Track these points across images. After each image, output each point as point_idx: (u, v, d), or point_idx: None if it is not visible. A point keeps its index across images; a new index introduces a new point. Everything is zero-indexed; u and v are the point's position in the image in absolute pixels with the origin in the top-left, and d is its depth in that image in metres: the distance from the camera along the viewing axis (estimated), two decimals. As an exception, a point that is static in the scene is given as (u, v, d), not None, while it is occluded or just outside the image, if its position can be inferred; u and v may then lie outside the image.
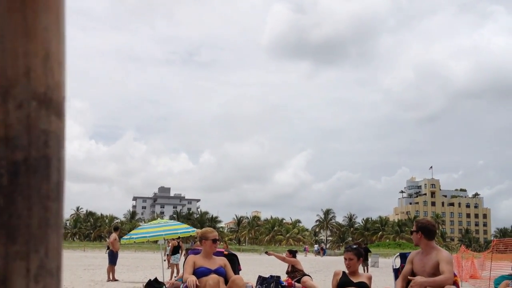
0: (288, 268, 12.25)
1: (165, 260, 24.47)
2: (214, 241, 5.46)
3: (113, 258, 14.31)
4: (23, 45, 0.54)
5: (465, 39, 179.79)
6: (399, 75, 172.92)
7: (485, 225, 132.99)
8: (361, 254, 5.53)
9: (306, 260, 37.67)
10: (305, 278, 11.47)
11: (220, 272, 5.30)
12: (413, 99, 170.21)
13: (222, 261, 5.50)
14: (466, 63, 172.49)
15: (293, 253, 12.55)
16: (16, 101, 0.54)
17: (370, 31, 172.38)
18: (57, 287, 0.56)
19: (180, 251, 17.04)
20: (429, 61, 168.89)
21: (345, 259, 5.44)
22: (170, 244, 22.10)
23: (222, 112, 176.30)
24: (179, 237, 16.34)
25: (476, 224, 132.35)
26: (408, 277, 4.85)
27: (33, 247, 0.54)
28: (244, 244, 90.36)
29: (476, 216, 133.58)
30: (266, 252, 12.04)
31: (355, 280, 5.32)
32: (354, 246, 5.65)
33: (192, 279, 5.08)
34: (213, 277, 5.05)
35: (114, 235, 15.09)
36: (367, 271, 17.95)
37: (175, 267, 15.89)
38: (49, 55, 0.57)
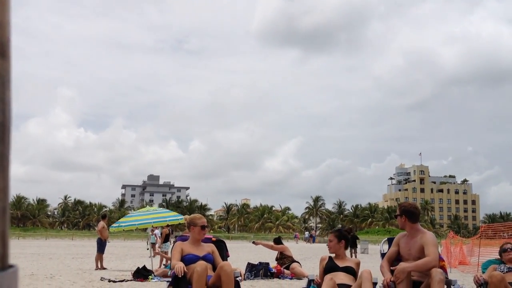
0: (277, 255, 12.31)
1: (147, 249, 24.53)
2: (203, 227, 5.45)
3: (101, 247, 14.28)
4: None
5: (454, 26, 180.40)
6: (389, 62, 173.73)
7: (474, 211, 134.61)
8: (343, 237, 5.41)
9: (296, 247, 37.92)
10: (293, 265, 11.55)
11: (208, 258, 5.29)
12: (403, 86, 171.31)
13: (210, 247, 5.50)
14: (456, 49, 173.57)
15: (276, 241, 12.62)
16: None
17: (360, 18, 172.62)
18: (2, 228, 0.56)
19: (170, 239, 17.04)
20: (418, 48, 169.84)
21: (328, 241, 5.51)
22: (153, 233, 22.14)
23: (211, 99, 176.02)
24: (168, 225, 16.33)
25: (465, 210, 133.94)
26: (391, 267, 4.83)
27: None
28: (233, 232, 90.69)
29: (465, 202, 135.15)
30: (253, 242, 12.07)
31: (341, 265, 5.26)
32: (337, 228, 5.64)
33: (179, 265, 5.07)
34: (201, 263, 5.05)
35: (102, 223, 15.05)
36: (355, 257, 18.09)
37: (165, 255, 15.88)
38: None
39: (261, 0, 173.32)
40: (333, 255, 5.41)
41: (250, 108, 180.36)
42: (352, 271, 5.22)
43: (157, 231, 21.95)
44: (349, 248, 5.70)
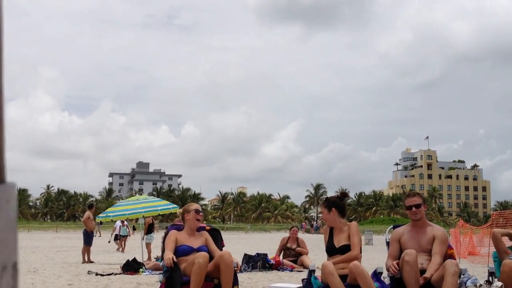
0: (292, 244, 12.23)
1: (109, 242, 24.66)
2: (197, 211, 5.48)
3: (88, 238, 14.33)
4: None
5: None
6: (396, 38, 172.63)
7: (484, 198, 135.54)
8: (332, 204, 5.16)
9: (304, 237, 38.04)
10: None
11: (202, 251, 5.32)
12: (411, 64, 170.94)
13: (204, 237, 5.53)
14: (468, 24, 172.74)
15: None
16: None
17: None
18: None
19: (153, 230, 17.08)
20: (428, 22, 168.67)
21: None
22: (124, 224, 22.19)
23: (205, 80, 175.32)
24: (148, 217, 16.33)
25: (475, 198, 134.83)
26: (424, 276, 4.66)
27: None
28: (228, 222, 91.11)
29: (475, 189, 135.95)
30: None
31: (338, 241, 5.08)
32: (325, 198, 5.48)
33: (168, 256, 5.10)
34: (202, 255, 5.05)
35: (87, 213, 15.08)
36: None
37: (149, 247, 15.95)
38: None
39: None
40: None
41: (247, 89, 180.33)
42: (347, 250, 5.01)
43: (118, 223, 21.79)
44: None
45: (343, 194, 5.44)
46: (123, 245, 21.66)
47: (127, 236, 22.41)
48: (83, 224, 15.31)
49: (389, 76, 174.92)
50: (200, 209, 5.58)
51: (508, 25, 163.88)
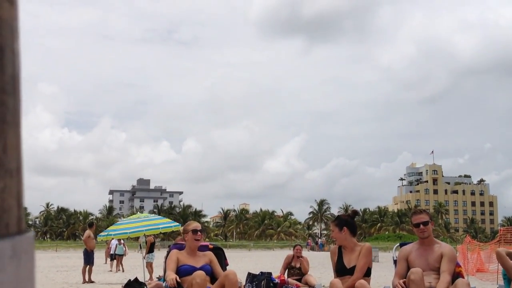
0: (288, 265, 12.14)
1: (105, 263, 24.31)
2: (194, 231, 5.44)
3: (88, 258, 14.27)
4: None
5: (470, 12, 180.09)
6: (400, 51, 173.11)
7: (491, 213, 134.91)
8: (344, 223, 5.07)
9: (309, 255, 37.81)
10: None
11: (205, 270, 5.28)
12: (415, 77, 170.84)
13: (207, 256, 5.50)
14: (472, 37, 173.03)
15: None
16: None
17: (368, 3, 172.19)
18: (18, 189, 0.57)
19: (154, 249, 16.98)
20: (431, 35, 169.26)
21: None
22: (121, 243, 21.84)
23: (206, 95, 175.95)
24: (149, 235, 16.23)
25: (482, 213, 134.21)
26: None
27: None
28: (231, 240, 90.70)
29: (482, 204, 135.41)
30: None
31: (349, 264, 5.04)
32: (336, 216, 5.38)
33: (171, 277, 5.06)
34: (199, 274, 5.03)
35: (88, 232, 15.04)
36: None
37: (150, 267, 15.83)
38: None
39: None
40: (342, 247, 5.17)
41: (249, 104, 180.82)
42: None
43: (114, 241, 21.36)
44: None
45: (354, 213, 5.39)
46: (119, 265, 21.24)
47: (123, 255, 22.02)
48: (83, 243, 15.25)
49: (393, 90, 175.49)
50: (199, 228, 5.54)
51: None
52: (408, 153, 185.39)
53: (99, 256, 26.25)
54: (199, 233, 5.47)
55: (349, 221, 5.18)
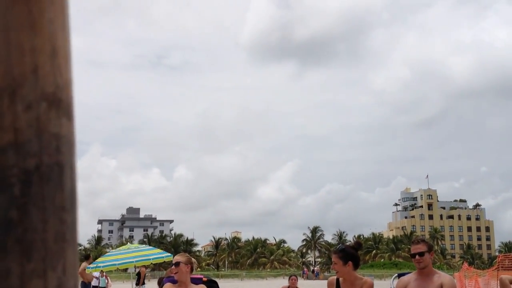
0: None
1: None
2: (175, 264, 5.42)
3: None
4: (30, 40, 0.53)
5: (464, 34, 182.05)
6: (393, 74, 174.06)
7: (488, 239, 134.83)
8: (349, 257, 4.98)
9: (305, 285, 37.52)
10: None
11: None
12: (409, 101, 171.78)
13: (201, 290, 5.45)
14: (466, 59, 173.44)
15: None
16: (24, 102, 0.53)
17: (360, 26, 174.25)
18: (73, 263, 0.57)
19: (145, 280, 16.86)
20: (425, 58, 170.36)
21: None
22: (103, 275, 21.50)
23: (197, 121, 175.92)
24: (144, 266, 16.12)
25: (479, 238, 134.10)
26: None
27: (49, 264, 0.53)
28: (223, 269, 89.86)
29: (478, 229, 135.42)
30: None
31: None
32: (340, 247, 5.21)
33: None
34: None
35: (84, 265, 14.93)
36: None
37: None
38: (56, 50, 0.57)
39: (253, 8, 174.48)
40: (340, 278, 5.09)
41: (241, 129, 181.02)
42: None
43: (96, 273, 20.96)
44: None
45: (358, 244, 5.31)
46: None
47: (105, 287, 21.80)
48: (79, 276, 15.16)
49: (386, 113, 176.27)
50: (180, 261, 5.47)
51: (507, 59, 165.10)
52: (403, 177, 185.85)
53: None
54: (173, 266, 5.45)
55: (355, 254, 5.08)
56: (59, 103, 0.58)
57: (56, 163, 0.56)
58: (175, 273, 5.37)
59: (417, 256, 4.98)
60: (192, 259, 5.63)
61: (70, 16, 0.59)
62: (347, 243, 5.26)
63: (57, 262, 0.54)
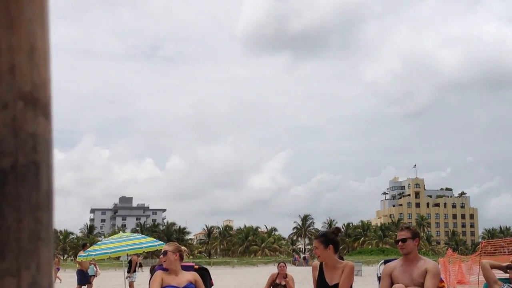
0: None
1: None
2: (163, 253, 5.49)
3: (83, 279, 14.34)
4: (7, 39, 0.53)
5: (454, 27, 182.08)
6: (384, 67, 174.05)
7: (472, 226, 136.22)
8: (330, 241, 5.08)
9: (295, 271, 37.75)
10: None
11: (189, 288, 5.29)
12: (399, 93, 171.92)
13: (191, 276, 5.50)
14: (456, 52, 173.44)
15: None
16: (0, 101, 0.53)
17: (353, 19, 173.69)
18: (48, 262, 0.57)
19: (136, 269, 16.95)
20: (416, 50, 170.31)
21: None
22: (91, 263, 21.59)
23: (191, 111, 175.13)
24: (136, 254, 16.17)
25: (463, 225, 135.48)
26: None
27: (23, 262, 0.53)
28: (215, 257, 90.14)
29: (463, 216, 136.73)
30: None
31: (331, 278, 5.06)
32: (321, 232, 5.37)
33: None
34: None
35: (81, 254, 15.00)
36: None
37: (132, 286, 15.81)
38: (34, 49, 0.56)
39: (247, 0, 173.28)
40: (323, 262, 5.20)
41: (234, 120, 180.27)
42: None
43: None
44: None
45: (338, 230, 5.41)
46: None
47: (94, 276, 21.85)
48: (76, 264, 15.22)
49: (377, 105, 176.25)
50: (168, 250, 5.51)
51: (495, 53, 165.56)
52: (392, 167, 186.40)
53: (73, 276, 25.92)
54: (161, 256, 5.50)
55: (335, 239, 5.19)
56: (36, 102, 0.57)
57: (32, 162, 0.56)
58: (164, 261, 5.43)
59: (400, 242, 5.08)
60: (182, 247, 5.68)
61: (49, 15, 0.58)
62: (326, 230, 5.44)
63: (31, 260, 0.54)
